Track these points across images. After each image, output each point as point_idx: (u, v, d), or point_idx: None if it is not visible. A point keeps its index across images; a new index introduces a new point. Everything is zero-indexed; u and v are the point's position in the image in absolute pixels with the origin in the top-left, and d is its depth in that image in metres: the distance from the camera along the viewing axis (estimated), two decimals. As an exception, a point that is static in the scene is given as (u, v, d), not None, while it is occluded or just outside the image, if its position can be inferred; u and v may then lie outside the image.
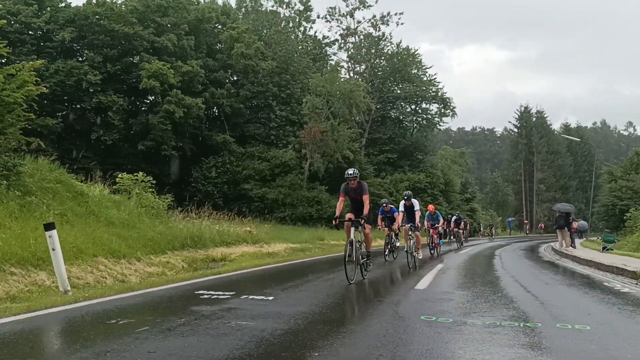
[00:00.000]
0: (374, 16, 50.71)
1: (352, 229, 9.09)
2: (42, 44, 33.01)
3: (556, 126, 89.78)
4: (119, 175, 17.25)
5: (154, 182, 17.63)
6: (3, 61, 23.75)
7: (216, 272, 11.17)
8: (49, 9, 33.94)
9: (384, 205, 15.70)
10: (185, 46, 36.03)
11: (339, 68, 46.47)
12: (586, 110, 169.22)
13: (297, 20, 51.36)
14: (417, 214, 13.85)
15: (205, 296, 7.30)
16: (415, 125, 52.50)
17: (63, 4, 35.60)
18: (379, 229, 16.08)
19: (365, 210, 9.18)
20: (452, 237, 27.89)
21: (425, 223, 18.75)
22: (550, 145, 77.24)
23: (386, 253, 15.22)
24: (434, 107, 51.88)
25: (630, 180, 33.34)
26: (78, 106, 35.16)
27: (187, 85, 34.43)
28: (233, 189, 35.54)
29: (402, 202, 14.27)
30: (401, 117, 52.36)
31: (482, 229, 51.06)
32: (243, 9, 52.10)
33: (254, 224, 23.82)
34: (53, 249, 7.80)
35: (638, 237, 21.94)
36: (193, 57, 36.44)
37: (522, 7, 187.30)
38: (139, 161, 32.28)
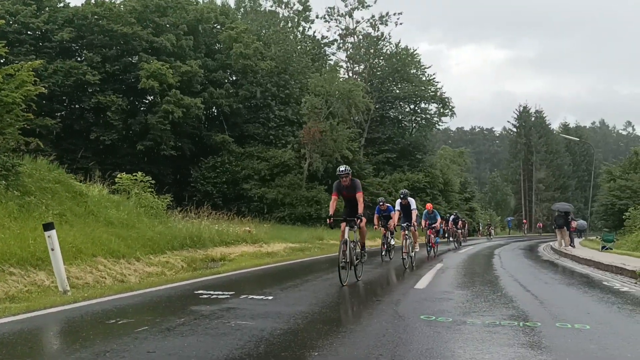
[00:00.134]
0: (373, 16, 50.73)
1: (347, 228, 8.81)
2: (40, 44, 32.96)
3: (555, 126, 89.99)
4: (118, 175, 17.25)
5: (153, 182, 17.62)
6: (2, 61, 23.76)
7: (215, 271, 11.17)
8: (47, 9, 33.91)
9: (381, 204, 15.49)
10: (184, 46, 36.01)
11: (337, 68, 46.45)
12: (585, 109, 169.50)
13: (296, 20, 51.30)
14: (414, 213, 13.49)
15: (205, 296, 7.30)
16: (414, 125, 52.50)
17: (62, 4, 35.57)
18: (375, 228, 15.95)
19: (360, 209, 8.93)
20: (450, 237, 27.80)
21: (423, 222, 18.45)
22: (549, 144, 77.24)
23: (383, 253, 14.99)
24: (433, 107, 51.93)
25: (629, 180, 33.35)
26: (77, 106, 35.14)
27: (186, 85, 34.41)
28: (232, 189, 35.52)
29: (399, 201, 13.80)
30: (400, 117, 52.36)
31: (481, 228, 51.08)
32: (242, 9, 52.06)
33: (253, 223, 23.81)
34: (52, 249, 7.79)
35: (637, 236, 21.96)
36: (192, 57, 36.42)
37: (521, 7, 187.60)
38: (138, 161, 32.28)
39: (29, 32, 33.02)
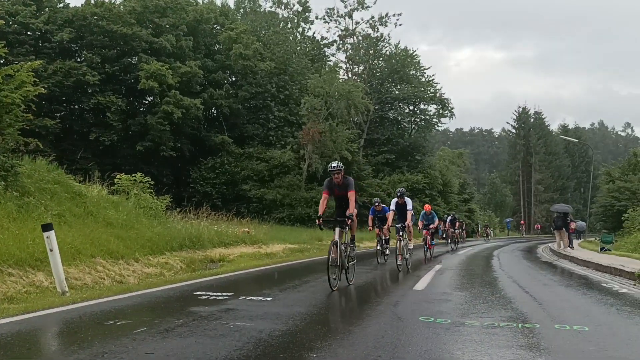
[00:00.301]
0: (372, 17, 50.78)
1: (337, 229, 8.28)
2: (40, 44, 32.95)
3: (554, 127, 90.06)
4: (117, 176, 17.23)
5: (152, 182, 17.61)
6: (1, 62, 23.75)
7: (214, 272, 11.16)
8: (47, 9, 33.90)
9: (376, 204, 14.96)
10: (184, 47, 36.02)
11: (337, 69, 46.46)
12: (584, 110, 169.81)
13: (296, 21, 51.35)
14: (410, 213, 12.65)
15: (204, 297, 7.30)
16: (413, 126, 52.56)
17: (61, 5, 35.57)
18: (370, 229, 15.49)
19: (351, 209, 8.38)
20: (448, 238, 27.52)
21: (419, 223, 17.93)
22: (548, 146, 77.38)
23: (378, 256, 14.48)
24: (432, 108, 52.07)
25: (628, 181, 33.34)
26: (76, 107, 35.13)
27: (185, 86, 34.41)
28: (231, 190, 35.51)
29: (394, 200, 13.04)
30: (399, 118, 52.43)
31: (479, 229, 51.12)
32: (241, 10, 52.07)
33: (253, 224, 23.79)
34: (51, 250, 7.78)
35: (636, 237, 21.94)
36: (191, 57, 36.42)
37: (519, 9, 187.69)
38: (137, 162, 32.26)
39: (28, 33, 33.01)
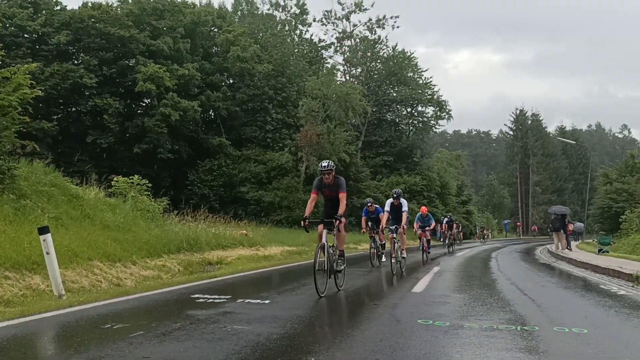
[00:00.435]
0: (370, 19, 50.78)
1: (325, 231, 7.93)
2: (37, 47, 32.90)
3: (551, 129, 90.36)
4: (115, 178, 17.20)
5: (149, 185, 17.58)
6: (-2, 64, 23.67)
7: (212, 275, 11.13)
8: (44, 12, 33.85)
9: (369, 205, 14.58)
10: (181, 49, 35.99)
11: (335, 71, 46.50)
12: (581, 112, 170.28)
13: (293, 23, 51.41)
14: (405, 216, 12.26)
15: (201, 300, 7.27)
16: (411, 128, 52.59)
17: (58, 7, 35.49)
18: (363, 231, 15.16)
19: (341, 210, 7.96)
20: (445, 240, 27.32)
21: (415, 225, 17.74)
22: (546, 147, 77.52)
23: (373, 259, 14.10)
24: (429, 110, 52.15)
25: (626, 183, 33.36)
26: (73, 109, 35.06)
27: (183, 88, 34.37)
28: (229, 192, 35.46)
29: (390, 201, 12.55)
30: (397, 120, 52.47)
31: (477, 231, 51.13)
32: (239, 12, 52.11)
33: (250, 226, 23.77)
34: (47, 253, 7.75)
35: (633, 239, 21.95)
36: (189, 60, 36.39)
37: (517, 11, 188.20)
38: (134, 164, 32.21)
39: (25, 35, 32.94)
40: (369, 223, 14.56)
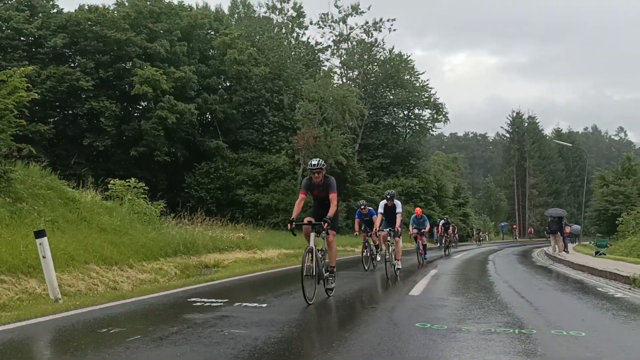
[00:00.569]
0: (367, 22, 50.85)
1: (313, 234, 7.51)
2: (33, 49, 32.83)
3: (548, 131, 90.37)
4: (111, 181, 17.13)
5: (146, 188, 17.51)
6: (-6, 67, 23.61)
7: (209, 278, 11.11)
8: (40, 15, 33.77)
9: (362, 207, 14.35)
10: (178, 52, 35.97)
11: (331, 74, 46.54)
12: (577, 115, 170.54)
13: (290, 26, 51.44)
14: (399, 217, 11.84)
15: (198, 304, 7.25)
16: (408, 130, 52.65)
17: (55, 10, 35.46)
18: (356, 234, 14.97)
19: (331, 212, 7.51)
20: (441, 242, 27.24)
21: (410, 228, 17.42)
22: (542, 150, 77.65)
23: (366, 262, 13.67)
24: (426, 113, 52.15)
25: (622, 185, 33.49)
26: (70, 112, 34.97)
27: (179, 91, 34.33)
28: (226, 195, 35.42)
29: (383, 203, 12.10)
30: (394, 123, 52.51)
31: (474, 233, 51.20)
32: (236, 15, 52.13)
33: (247, 229, 23.72)
34: (44, 257, 7.72)
35: (630, 241, 22.03)
36: (186, 63, 36.38)
37: (513, 14, 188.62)
38: (131, 167, 32.11)
39: (22, 38, 32.89)
40: (363, 226, 14.42)
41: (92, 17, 33.81)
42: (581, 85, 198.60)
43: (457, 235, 36.12)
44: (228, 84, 40.83)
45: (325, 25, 51.07)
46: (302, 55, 48.94)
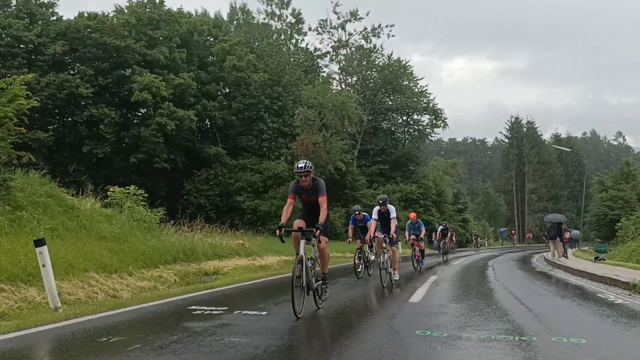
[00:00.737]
0: (365, 28, 50.96)
1: (303, 241, 7.02)
2: (33, 57, 32.86)
3: (547, 136, 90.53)
4: (111, 189, 17.12)
5: (145, 195, 17.50)
6: (-7, 75, 23.65)
7: (209, 286, 11.10)
8: (40, 22, 33.84)
9: (357, 213, 14.04)
10: (177, 59, 36.03)
11: (330, 80, 46.63)
12: (576, 120, 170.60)
13: (289, 32, 51.59)
14: (394, 223, 11.53)
15: (198, 312, 7.24)
16: (406, 136, 52.70)
17: (54, 18, 35.52)
18: (349, 241, 14.74)
19: (322, 217, 7.12)
20: (439, 248, 27.03)
21: (407, 234, 17.20)
22: (541, 155, 77.75)
23: (359, 270, 13.25)
24: (425, 119, 52.19)
25: (621, 190, 33.50)
26: (69, 119, 34.99)
27: (179, 98, 34.37)
28: (225, 202, 35.38)
29: (376, 209, 11.80)
30: (393, 129, 52.55)
31: (473, 239, 51.14)
32: (235, 22, 52.25)
33: (247, 236, 23.68)
34: (43, 265, 7.71)
35: (629, 246, 22.02)
36: (185, 69, 36.43)
37: (511, 20, 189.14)
38: (130, 174, 32.10)
39: (21, 46, 32.92)
40: (357, 232, 14.20)
41: (91, 25, 33.87)
42: (579, 89, 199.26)
43: (455, 241, 36.04)
44: (227, 90, 40.86)
45: (324, 32, 51.24)
46: (301, 61, 49.03)
